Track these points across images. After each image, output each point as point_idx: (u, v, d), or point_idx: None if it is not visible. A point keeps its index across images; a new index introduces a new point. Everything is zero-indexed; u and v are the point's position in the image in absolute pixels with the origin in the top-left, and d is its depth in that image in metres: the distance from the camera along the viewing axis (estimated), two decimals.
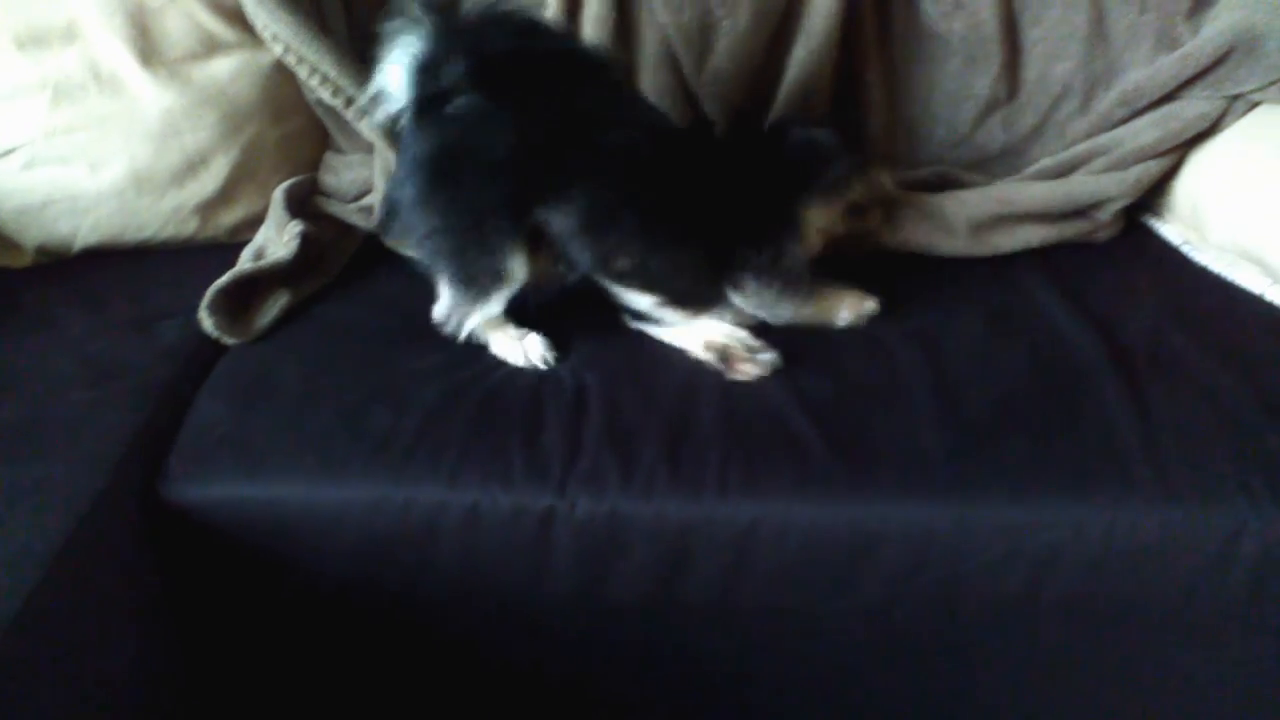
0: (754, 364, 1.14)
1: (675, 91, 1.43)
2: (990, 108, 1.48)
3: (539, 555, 1.04)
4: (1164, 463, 1.02)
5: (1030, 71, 1.47)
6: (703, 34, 1.39)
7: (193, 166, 1.40)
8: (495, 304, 1.16)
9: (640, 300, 1.19)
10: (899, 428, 1.07)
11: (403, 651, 1.14)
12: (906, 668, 1.12)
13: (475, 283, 1.14)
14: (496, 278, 1.14)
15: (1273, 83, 1.29)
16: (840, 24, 1.42)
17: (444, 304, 1.19)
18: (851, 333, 1.22)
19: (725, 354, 1.15)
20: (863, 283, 1.26)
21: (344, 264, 1.39)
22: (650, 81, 1.43)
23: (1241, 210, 1.29)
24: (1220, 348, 1.16)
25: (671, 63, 1.42)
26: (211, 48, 1.39)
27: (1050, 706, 1.15)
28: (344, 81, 1.35)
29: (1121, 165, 1.39)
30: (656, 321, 1.21)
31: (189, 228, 1.43)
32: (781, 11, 1.42)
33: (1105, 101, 1.44)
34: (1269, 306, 1.23)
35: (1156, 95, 1.38)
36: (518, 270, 1.14)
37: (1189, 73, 1.34)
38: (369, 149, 1.38)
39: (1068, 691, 1.13)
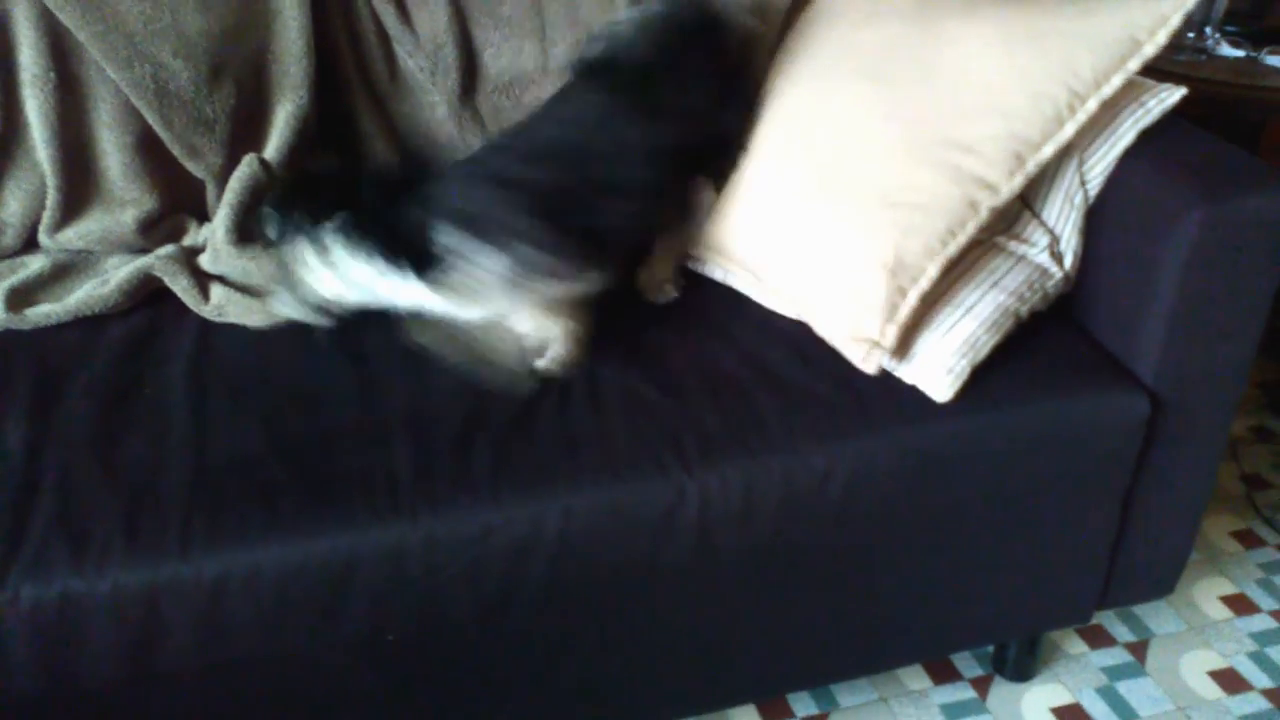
0: None
1: (147, 147, 1.40)
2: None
3: None
4: (613, 447, 1.13)
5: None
6: (159, 88, 1.36)
7: None
8: None
9: None
10: (372, 457, 1.11)
11: None
12: (401, 685, 1.16)
13: None
14: None
15: None
16: (314, 69, 1.45)
17: None
18: (333, 368, 1.24)
19: None
20: None
21: None
22: (114, 139, 1.38)
23: None
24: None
25: (137, 119, 1.38)
26: None
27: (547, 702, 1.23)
28: None
29: None
30: None
31: None
32: (251, 61, 1.43)
33: None
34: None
35: None
36: None
37: None
38: None
39: (563, 685, 1.21)
